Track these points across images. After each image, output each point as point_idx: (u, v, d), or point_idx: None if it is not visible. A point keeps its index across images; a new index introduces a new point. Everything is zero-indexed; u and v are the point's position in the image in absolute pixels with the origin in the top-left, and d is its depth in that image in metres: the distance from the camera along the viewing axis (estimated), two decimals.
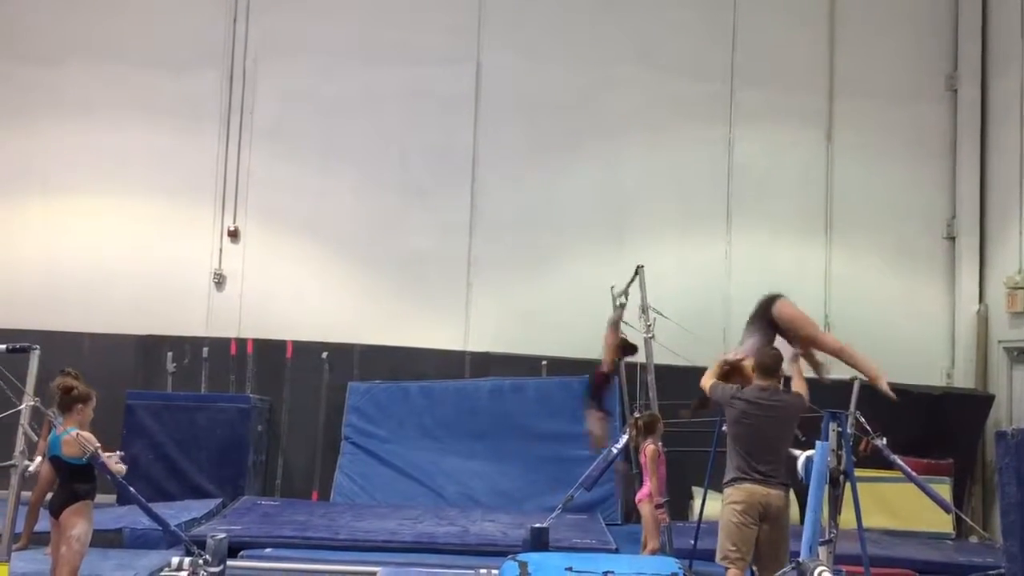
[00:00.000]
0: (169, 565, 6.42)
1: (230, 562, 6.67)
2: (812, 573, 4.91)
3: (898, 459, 6.66)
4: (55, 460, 5.62)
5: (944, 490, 9.80)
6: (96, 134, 11.37)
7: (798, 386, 6.10)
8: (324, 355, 11.01)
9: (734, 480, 5.85)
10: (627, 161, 11.77)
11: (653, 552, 7.38)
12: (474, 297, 11.53)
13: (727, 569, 5.77)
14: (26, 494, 6.69)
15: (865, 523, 6.03)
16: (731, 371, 6.20)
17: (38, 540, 7.16)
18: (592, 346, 9.28)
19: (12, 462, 5.77)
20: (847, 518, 5.87)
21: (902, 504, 9.64)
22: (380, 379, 10.99)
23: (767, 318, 6.33)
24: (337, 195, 11.57)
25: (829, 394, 6.83)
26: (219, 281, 11.40)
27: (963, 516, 9.23)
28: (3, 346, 6.07)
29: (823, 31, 11.92)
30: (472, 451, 10.65)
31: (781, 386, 6.05)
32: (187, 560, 6.30)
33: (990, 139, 11.54)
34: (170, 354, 10.83)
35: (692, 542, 7.37)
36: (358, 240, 11.56)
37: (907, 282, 11.68)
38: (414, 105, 11.64)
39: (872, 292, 11.51)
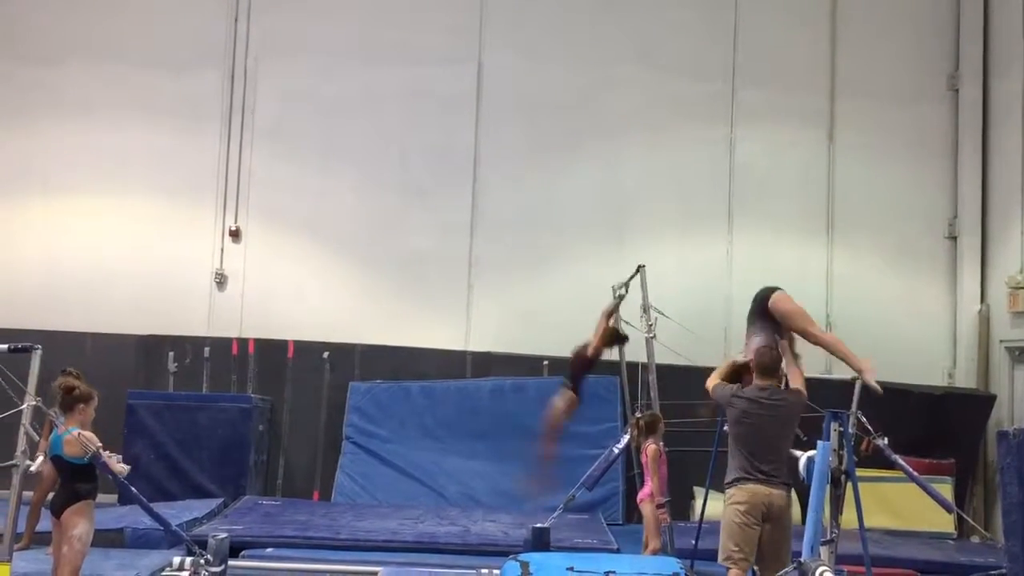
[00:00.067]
0: (171, 565, 6.42)
1: (231, 562, 6.67)
2: (814, 573, 4.90)
3: (899, 459, 6.66)
4: (57, 460, 5.62)
5: (946, 490, 9.79)
6: (97, 134, 11.38)
7: (796, 382, 6.08)
8: (325, 355, 11.01)
9: (736, 480, 5.83)
10: (628, 161, 11.77)
11: (654, 552, 7.38)
12: (475, 297, 11.53)
13: (729, 569, 5.76)
14: (28, 494, 6.69)
15: (867, 523, 6.02)
16: (740, 371, 6.18)
17: (39, 540, 7.17)
18: None
19: (14, 462, 5.77)
20: (849, 518, 5.86)
21: (904, 504, 9.64)
22: (381, 379, 10.99)
23: (765, 313, 6.32)
24: (338, 195, 11.57)
25: (831, 394, 6.83)
26: (220, 281, 11.41)
27: (965, 516, 9.22)
28: (5, 346, 6.08)
29: (824, 31, 11.91)
30: (473, 451, 10.65)
31: (781, 385, 6.04)
32: (188, 560, 6.30)
33: (991, 139, 11.54)
34: (171, 354, 10.84)
35: (693, 542, 7.37)
36: (359, 240, 11.56)
37: (908, 282, 11.68)
38: (415, 105, 11.64)
39: (874, 292, 11.51)
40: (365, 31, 11.71)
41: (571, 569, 5.68)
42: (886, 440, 6.55)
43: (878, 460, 6.83)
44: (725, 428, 6.15)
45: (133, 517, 7.92)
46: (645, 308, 8.54)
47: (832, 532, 5.65)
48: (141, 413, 10.02)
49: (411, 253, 11.49)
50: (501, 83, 11.71)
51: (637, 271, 8.70)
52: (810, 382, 6.22)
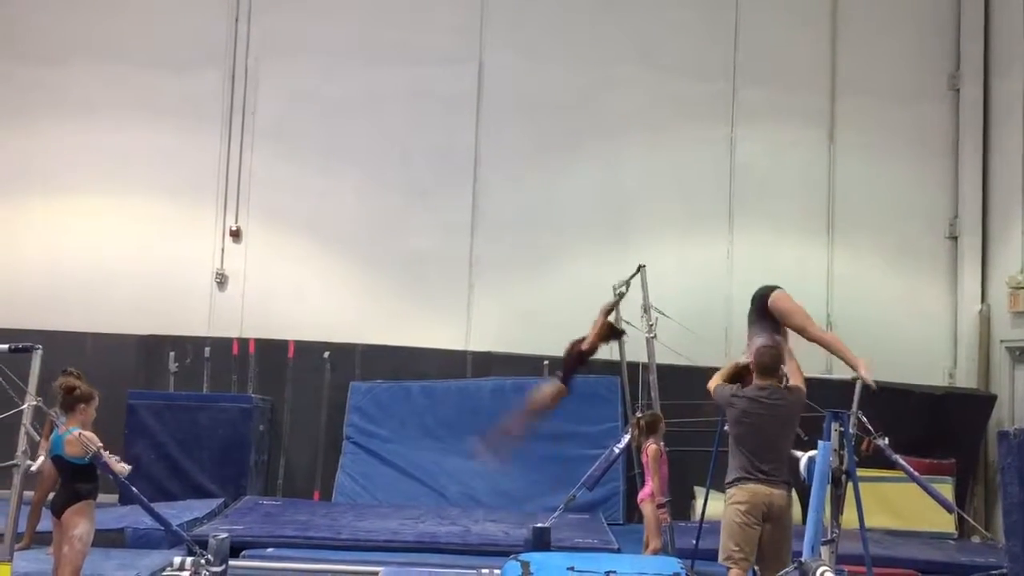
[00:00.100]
0: (171, 565, 6.43)
1: (232, 562, 6.68)
2: (814, 573, 4.90)
3: (900, 459, 6.65)
4: (57, 460, 5.62)
5: (946, 490, 9.78)
6: (98, 134, 11.38)
7: (796, 379, 6.08)
8: (326, 355, 11.01)
9: (737, 480, 5.83)
10: (629, 161, 11.77)
11: (655, 552, 7.38)
12: (476, 297, 11.53)
13: (729, 569, 5.76)
14: (28, 494, 6.69)
15: (867, 523, 6.01)
16: (742, 372, 6.17)
17: (40, 540, 7.17)
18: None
19: (14, 462, 5.77)
20: (849, 518, 5.86)
21: (904, 504, 9.63)
22: (382, 379, 10.99)
23: (765, 312, 6.33)
24: (339, 195, 11.58)
25: (831, 394, 6.83)
26: (221, 281, 11.41)
27: (965, 516, 9.21)
28: (5, 346, 6.08)
29: (825, 30, 11.91)
30: (474, 451, 10.63)
31: (781, 385, 6.03)
32: (189, 560, 6.30)
33: (992, 139, 11.53)
34: (172, 354, 10.85)
35: (694, 542, 7.36)
36: (360, 240, 11.56)
37: (909, 282, 11.67)
38: (416, 105, 11.64)
39: (874, 292, 11.51)
40: (366, 31, 11.71)
41: (572, 569, 5.68)
42: (887, 440, 6.55)
43: (879, 460, 6.82)
44: (726, 428, 6.15)
45: (134, 517, 7.93)
46: (646, 308, 8.54)
47: (833, 532, 5.64)
48: (142, 413, 10.02)
49: (412, 253, 11.49)
50: (502, 83, 11.71)
51: (638, 271, 8.70)
52: (810, 382, 6.22)
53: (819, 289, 11.38)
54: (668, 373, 8.80)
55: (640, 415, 8.00)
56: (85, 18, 11.50)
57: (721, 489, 6.16)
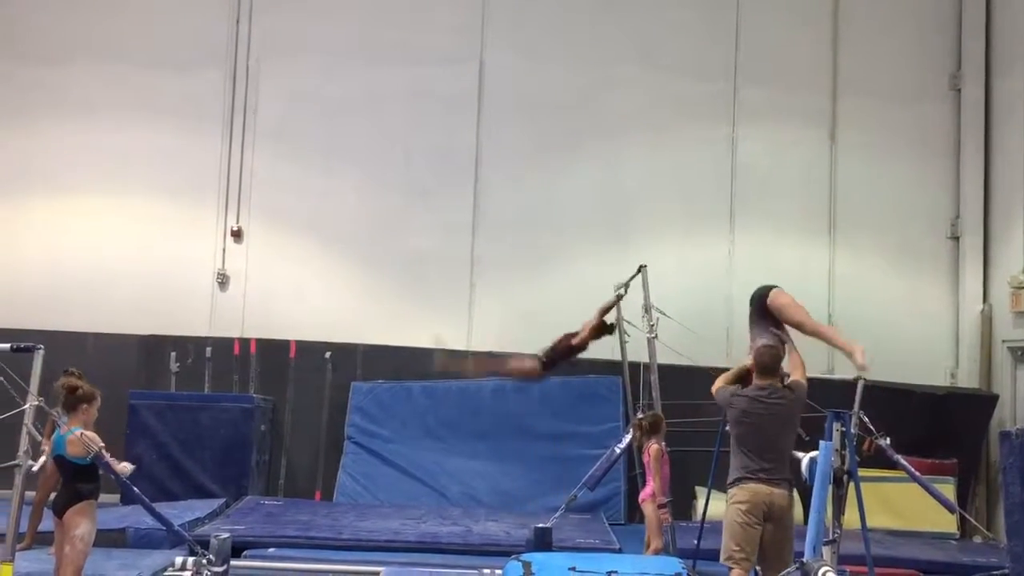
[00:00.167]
0: (173, 565, 6.43)
1: (234, 562, 6.67)
2: (816, 573, 4.89)
3: (902, 459, 6.65)
4: (59, 460, 5.62)
5: (948, 490, 9.77)
6: (98, 134, 11.38)
7: (796, 373, 6.07)
8: (327, 355, 11.01)
9: (738, 480, 5.83)
10: (630, 161, 11.76)
11: (656, 552, 7.38)
12: (477, 297, 11.53)
13: (731, 569, 5.75)
14: (30, 494, 6.69)
15: (869, 523, 6.01)
16: (747, 375, 6.17)
17: (42, 540, 7.17)
18: (595, 347, 9.25)
19: (16, 462, 5.77)
20: (851, 518, 5.86)
21: (906, 504, 9.63)
22: (383, 379, 10.99)
23: (765, 311, 6.34)
24: (340, 195, 11.58)
25: (833, 394, 6.82)
26: (222, 281, 11.41)
27: (967, 516, 9.21)
28: (7, 345, 6.08)
29: (826, 30, 11.90)
30: (475, 451, 10.65)
31: (781, 384, 6.03)
32: (191, 560, 6.31)
33: (994, 138, 11.52)
34: (173, 354, 10.85)
35: (696, 542, 7.36)
36: (361, 240, 11.56)
37: (911, 282, 11.66)
38: (417, 105, 11.64)
39: (876, 292, 11.50)
40: (366, 31, 11.71)
41: (573, 569, 5.68)
42: (888, 440, 6.55)
43: (880, 460, 6.82)
44: (727, 428, 6.15)
45: (135, 517, 7.92)
46: (647, 308, 8.54)
47: (834, 532, 5.64)
48: (143, 413, 10.02)
49: (413, 253, 11.49)
50: (502, 83, 11.71)
51: (638, 271, 8.70)
52: (812, 382, 6.21)
53: (820, 289, 11.37)
54: (669, 373, 8.79)
55: (641, 415, 7.99)
56: (86, 18, 11.50)
57: (723, 489, 6.16)
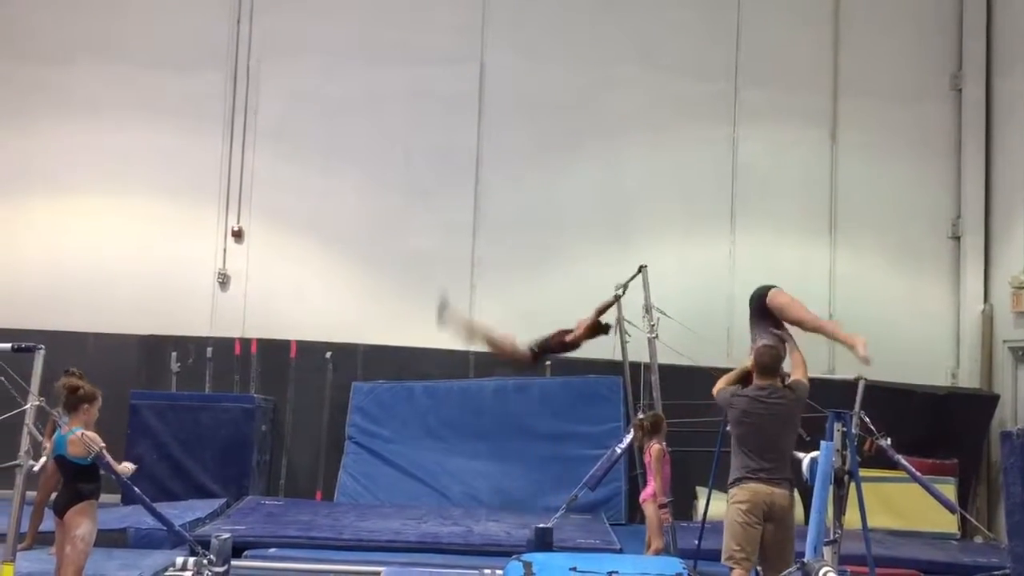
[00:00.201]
0: (173, 565, 6.44)
1: (234, 562, 6.67)
2: (817, 573, 4.89)
3: (902, 459, 6.66)
4: (60, 460, 5.62)
5: (949, 490, 9.78)
6: (100, 134, 11.38)
7: (798, 372, 6.07)
8: (328, 355, 11.02)
9: (738, 480, 5.83)
10: (630, 161, 11.76)
11: (657, 552, 7.37)
12: (477, 297, 11.52)
13: (732, 569, 5.75)
14: (31, 494, 6.69)
15: (870, 523, 6.02)
16: (749, 376, 6.16)
17: (43, 540, 7.17)
18: (595, 347, 9.26)
19: (17, 462, 5.77)
20: (852, 518, 5.86)
21: (907, 504, 9.63)
22: (384, 379, 10.99)
23: (765, 311, 6.34)
24: (340, 195, 11.58)
25: (834, 394, 6.83)
26: (223, 281, 11.41)
27: (968, 516, 9.21)
28: (8, 345, 6.08)
29: (827, 30, 11.90)
30: (476, 451, 10.65)
31: (781, 384, 6.02)
32: (191, 560, 6.31)
33: (995, 138, 11.53)
34: (174, 354, 10.85)
35: (696, 542, 7.36)
36: (362, 240, 11.56)
37: (912, 282, 11.66)
38: (417, 105, 11.64)
39: (876, 292, 11.49)
40: (366, 31, 11.71)
41: (574, 569, 5.68)
42: (889, 440, 6.56)
43: (881, 460, 6.83)
44: (728, 428, 6.15)
45: (136, 517, 7.92)
46: (647, 308, 8.54)
47: (835, 532, 5.64)
48: (144, 413, 10.03)
49: (413, 253, 11.48)
50: (503, 83, 11.71)
51: (639, 271, 8.70)
52: (813, 382, 6.21)
53: (821, 289, 11.36)
54: (670, 373, 8.79)
55: (642, 416, 7.98)
56: (87, 19, 11.51)
57: (724, 489, 6.16)
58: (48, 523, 6.36)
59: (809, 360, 6.29)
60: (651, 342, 8.48)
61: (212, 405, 10.27)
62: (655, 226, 11.61)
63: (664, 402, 8.45)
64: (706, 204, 11.69)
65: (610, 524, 9.58)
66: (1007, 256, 11.07)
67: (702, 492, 9.19)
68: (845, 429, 5.68)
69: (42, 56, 11.41)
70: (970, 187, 11.60)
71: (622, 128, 11.71)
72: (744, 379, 6.15)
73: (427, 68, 11.63)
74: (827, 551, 5.44)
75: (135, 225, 11.37)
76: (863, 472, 5.94)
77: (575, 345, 8.17)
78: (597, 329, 8.32)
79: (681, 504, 9.04)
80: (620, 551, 8.00)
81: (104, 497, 5.83)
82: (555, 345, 8.08)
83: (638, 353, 9.20)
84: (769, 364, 5.95)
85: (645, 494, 7.65)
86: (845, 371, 6.79)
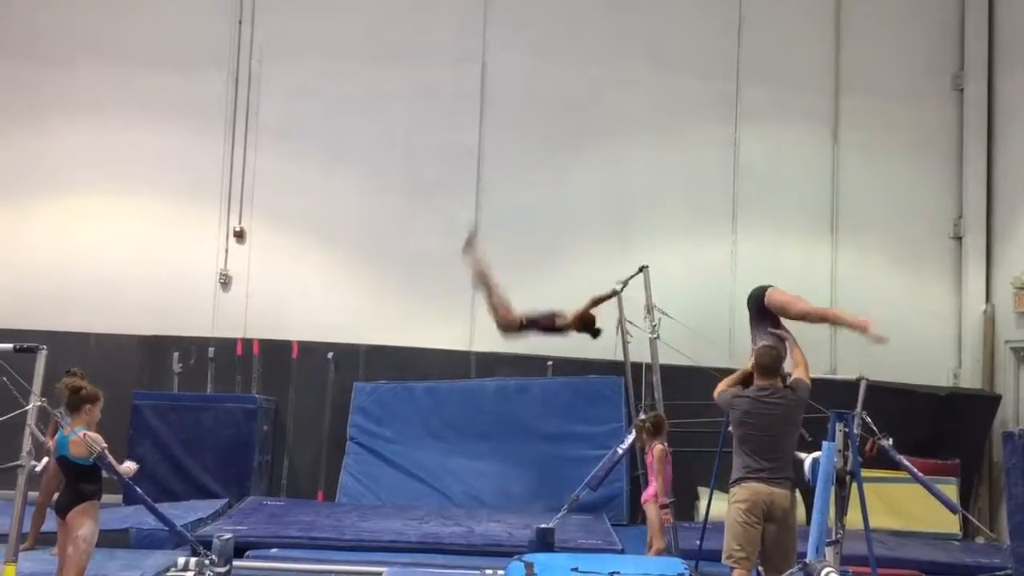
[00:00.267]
0: (175, 565, 6.45)
1: (236, 562, 6.68)
2: (819, 574, 4.89)
3: (904, 459, 6.66)
4: (62, 460, 5.62)
5: (950, 490, 9.78)
6: (102, 135, 11.39)
7: (799, 371, 6.07)
8: (330, 355, 11.01)
9: (739, 480, 5.84)
10: (632, 160, 11.76)
11: (659, 552, 7.38)
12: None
13: (733, 569, 5.76)
14: (33, 494, 6.70)
15: (871, 524, 6.01)
16: (750, 378, 6.16)
17: (45, 540, 7.17)
18: (597, 347, 9.27)
19: (19, 462, 5.77)
20: (853, 519, 5.86)
21: (908, 505, 9.63)
22: (385, 379, 10.99)
23: (764, 311, 6.33)
24: (343, 195, 11.58)
25: (835, 394, 6.83)
26: (225, 281, 11.42)
27: (970, 517, 9.21)
28: (10, 346, 6.08)
29: (829, 30, 11.90)
30: (477, 451, 10.65)
31: (782, 384, 6.02)
32: (193, 560, 6.33)
33: (997, 138, 11.52)
34: (176, 354, 10.85)
35: (698, 542, 7.37)
36: (364, 240, 11.56)
37: (913, 282, 11.66)
38: (419, 105, 11.64)
39: (878, 292, 11.47)
40: (368, 31, 11.71)
41: (575, 570, 5.68)
42: (891, 441, 6.55)
43: (883, 461, 6.83)
44: (729, 429, 6.15)
45: (138, 517, 7.93)
46: (649, 308, 8.54)
47: (837, 533, 5.64)
48: (146, 413, 10.03)
49: (416, 253, 11.48)
50: (506, 82, 11.71)
51: (639, 271, 8.69)
52: (814, 382, 6.21)
53: (823, 289, 11.35)
54: (671, 373, 8.79)
55: (643, 417, 7.99)
56: (91, 19, 11.51)
57: (725, 490, 6.16)
58: (50, 524, 6.36)
59: (810, 360, 6.29)
60: (652, 342, 8.48)
61: (214, 405, 10.28)
62: (657, 225, 11.60)
63: (666, 402, 8.45)
64: (708, 204, 11.69)
65: (612, 524, 9.56)
66: (1009, 256, 11.07)
67: (704, 493, 9.19)
68: (847, 429, 5.68)
69: (47, 56, 11.42)
70: (972, 187, 11.60)
71: (623, 128, 11.71)
72: (745, 381, 6.15)
73: (429, 67, 11.63)
74: (829, 551, 5.44)
75: (137, 225, 11.37)
76: (865, 472, 5.94)
77: (562, 331, 8.21)
78: (586, 321, 8.32)
79: (683, 505, 9.05)
80: (622, 551, 7.99)
81: (106, 497, 5.83)
82: (544, 324, 8.13)
83: (639, 353, 9.20)
84: (769, 365, 5.95)
85: (647, 494, 7.65)
86: (847, 371, 6.78)
